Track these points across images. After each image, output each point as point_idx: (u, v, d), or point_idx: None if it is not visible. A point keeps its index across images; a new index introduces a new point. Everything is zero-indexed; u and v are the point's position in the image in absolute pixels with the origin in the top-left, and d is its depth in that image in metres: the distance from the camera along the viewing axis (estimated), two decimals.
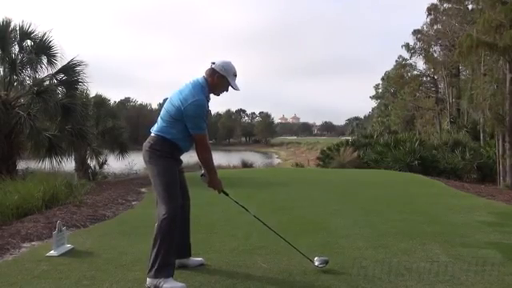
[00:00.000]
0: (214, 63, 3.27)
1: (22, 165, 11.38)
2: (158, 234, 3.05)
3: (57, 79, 11.07)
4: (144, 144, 3.26)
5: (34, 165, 11.12)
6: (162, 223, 3.06)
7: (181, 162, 3.41)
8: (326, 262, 3.40)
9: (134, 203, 7.06)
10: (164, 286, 2.96)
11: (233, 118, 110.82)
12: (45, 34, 10.94)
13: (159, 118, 3.28)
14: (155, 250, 3.03)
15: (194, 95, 3.14)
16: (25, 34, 10.85)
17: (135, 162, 16.30)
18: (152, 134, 3.26)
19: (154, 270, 3.00)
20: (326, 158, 19.33)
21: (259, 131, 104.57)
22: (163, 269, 3.00)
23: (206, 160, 3.32)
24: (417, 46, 34.09)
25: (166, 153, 3.20)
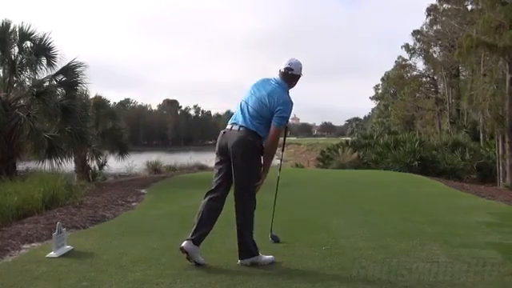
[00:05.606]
0: (292, 69, 3.55)
1: (21, 166, 11.36)
2: (247, 220, 3.45)
3: (56, 80, 11.05)
4: (239, 136, 3.40)
5: (33, 166, 11.10)
6: (250, 211, 3.46)
7: None
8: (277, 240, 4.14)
9: (133, 204, 7.05)
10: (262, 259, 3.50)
11: None
12: (44, 35, 10.94)
13: (247, 115, 3.45)
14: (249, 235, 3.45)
15: (287, 96, 3.54)
16: (24, 35, 10.83)
17: (135, 162, 16.27)
18: (248, 129, 3.42)
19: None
20: (326, 159, 19.35)
21: None
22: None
23: (272, 150, 3.56)
24: (416, 47, 34.21)
25: (259, 150, 3.48)
